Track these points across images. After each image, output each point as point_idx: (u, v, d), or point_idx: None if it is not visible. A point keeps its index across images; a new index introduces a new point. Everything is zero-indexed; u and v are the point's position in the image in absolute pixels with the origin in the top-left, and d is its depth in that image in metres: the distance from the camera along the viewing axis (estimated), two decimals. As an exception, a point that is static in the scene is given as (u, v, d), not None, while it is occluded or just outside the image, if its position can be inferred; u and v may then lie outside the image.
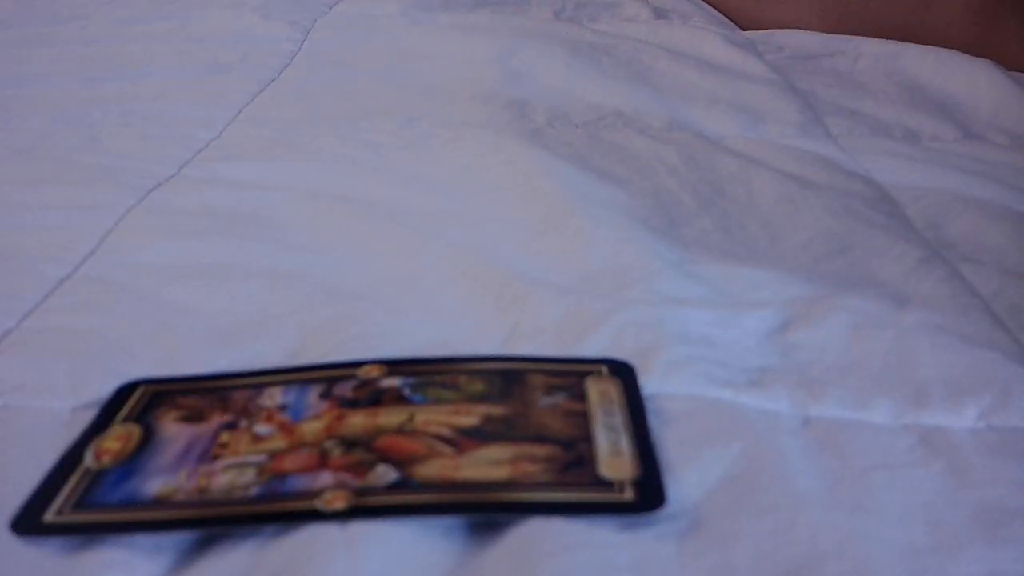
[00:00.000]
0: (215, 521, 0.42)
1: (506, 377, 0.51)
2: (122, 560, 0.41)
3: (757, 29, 1.38)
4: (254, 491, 0.44)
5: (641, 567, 0.40)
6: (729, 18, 1.46)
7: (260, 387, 0.51)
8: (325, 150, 0.87)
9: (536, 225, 0.70)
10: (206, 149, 0.88)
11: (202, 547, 0.42)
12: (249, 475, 0.45)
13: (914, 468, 0.46)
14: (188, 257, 0.67)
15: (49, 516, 0.43)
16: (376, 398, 0.50)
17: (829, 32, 1.29)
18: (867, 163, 0.84)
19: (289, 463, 0.45)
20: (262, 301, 0.61)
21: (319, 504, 0.42)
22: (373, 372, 0.52)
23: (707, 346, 0.55)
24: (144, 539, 0.42)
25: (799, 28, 1.33)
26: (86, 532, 0.42)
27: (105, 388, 0.52)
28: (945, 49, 1.13)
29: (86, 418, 0.50)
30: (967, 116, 0.97)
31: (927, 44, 1.16)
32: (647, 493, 0.43)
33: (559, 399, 0.49)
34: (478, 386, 0.51)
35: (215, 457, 0.46)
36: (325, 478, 0.44)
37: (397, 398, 0.50)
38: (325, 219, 0.72)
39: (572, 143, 0.88)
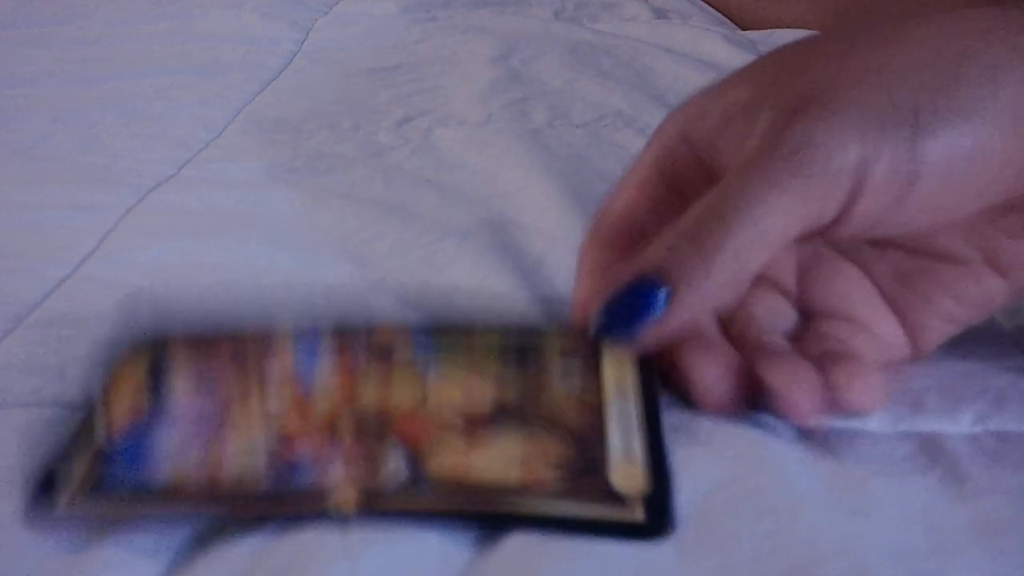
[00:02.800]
0: (225, 516, 0.42)
1: (521, 350, 0.48)
2: (122, 560, 0.41)
3: (757, 29, 1.38)
4: (264, 484, 0.42)
5: (641, 571, 0.40)
6: (729, 18, 1.46)
7: (271, 344, 0.49)
8: (325, 150, 0.87)
9: (535, 226, 0.70)
10: (206, 149, 0.88)
11: (201, 547, 0.42)
12: (260, 459, 0.43)
13: (911, 475, 0.46)
14: (188, 257, 0.67)
15: (62, 506, 0.42)
16: (390, 368, 0.47)
17: (829, 32, 1.28)
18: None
19: (300, 445, 0.43)
20: (262, 301, 0.61)
21: (330, 506, 0.41)
22: (387, 334, 0.49)
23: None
24: (142, 538, 0.42)
25: (799, 28, 1.34)
26: (98, 522, 0.41)
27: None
28: (945, 50, 1.12)
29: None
30: (967, 117, 0.97)
31: (927, 45, 1.16)
32: (657, 513, 0.41)
33: (574, 381, 0.46)
34: (493, 362, 0.48)
35: (224, 435, 0.44)
36: (336, 470, 0.42)
37: (411, 370, 0.47)
38: (325, 219, 0.72)
39: (572, 143, 0.88)
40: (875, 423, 0.50)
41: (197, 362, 0.48)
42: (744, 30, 1.39)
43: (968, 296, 0.50)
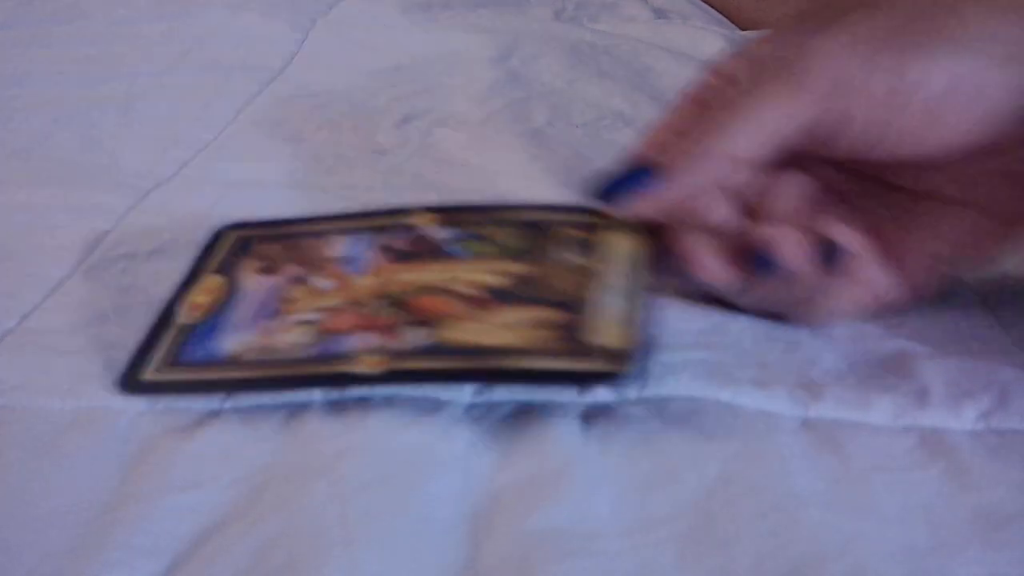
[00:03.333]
0: (275, 383, 0.47)
1: (533, 228, 0.54)
2: (122, 560, 0.41)
3: (757, 29, 1.38)
4: (310, 351, 0.48)
5: (643, 572, 0.40)
6: (729, 18, 1.46)
7: (323, 235, 0.55)
8: (325, 150, 0.87)
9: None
10: (206, 149, 0.88)
11: (201, 546, 0.42)
12: (309, 336, 0.49)
13: (913, 470, 0.46)
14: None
15: (148, 374, 0.47)
16: (427, 253, 0.53)
17: (829, 32, 1.28)
18: (867, 163, 0.84)
19: (341, 321, 0.49)
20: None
21: (357, 369, 0.47)
22: (422, 220, 0.55)
23: (706, 346, 0.55)
24: (142, 538, 0.42)
25: (799, 28, 1.33)
26: (177, 391, 0.47)
27: (105, 386, 0.52)
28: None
29: (87, 419, 0.50)
30: (967, 116, 0.97)
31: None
32: (628, 364, 0.46)
33: (574, 252, 0.52)
34: (510, 239, 0.53)
35: (283, 312, 0.50)
36: (369, 340, 0.48)
37: (436, 252, 0.53)
38: (325, 219, 0.72)
39: (572, 143, 0.88)
40: (878, 416, 0.50)
41: (265, 246, 0.54)
42: (744, 30, 1.39)
43: (958, 235, 0.53)
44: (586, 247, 0.52)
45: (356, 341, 0.48)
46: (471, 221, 0.54)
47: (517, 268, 0.51)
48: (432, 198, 0.76)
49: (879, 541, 0.42)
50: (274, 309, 0.50)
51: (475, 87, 1.04)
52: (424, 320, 0.49)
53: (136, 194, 0.77)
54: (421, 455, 0.47)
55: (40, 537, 0.43)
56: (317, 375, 0.47)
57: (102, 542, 0.42)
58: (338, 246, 0.54)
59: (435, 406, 0.50)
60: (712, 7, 1.51)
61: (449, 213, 0.55)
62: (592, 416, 0.49)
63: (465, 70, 1.11)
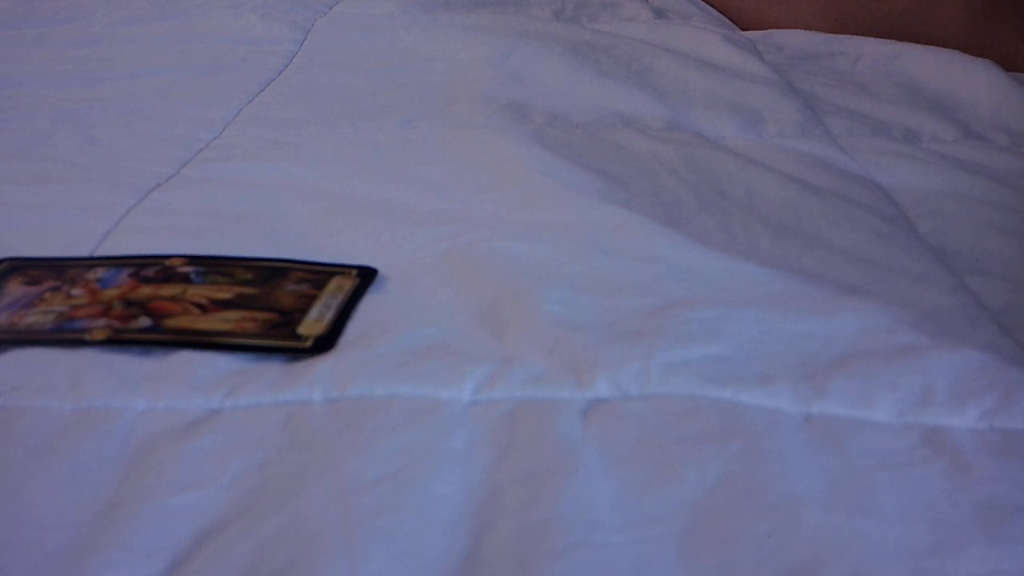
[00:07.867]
0: (10, 341, 0.56)
1: (273, 271, 0.64)
2: (122, 560, 0.41)
3: (757, 29, 1.38)
4: (48, 327, 0.58)
5: (642, 568, 0.40)
6: (729, 18, 1.46)
7: (91, 267, 0.65)
8: (325, 150, 0.87)
9: (535, 224, 0.70)
10: (206, 149, 0.88)
11: (202, 546, 0.42)
12: (50, 318, 0.59)
13: (915, 467, 0.46)
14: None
15: None
16: (168, 278, 0.63)
17: (829, 32, 1.29)
18: (868, 164, 0.84)
19: (81, 312, 0.59)
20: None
21: (86, 336, 0.56)
22: (176, 263, 0.64)
23: (707, 344, 0.55)
24: (142, 538, 0.42)
25: (799, 28, 1.34)
26: None
27: (105, 386, 0.52)
28: (945, 49, 1.13)
29: (87, 419, 0.50)
30: (967, 116, 0.97)
31: (927, 44, 1.16)
32: (321, 344, 0.56)
33: (303, 287, 0.62)
34: (248, 276, 0.63)
35: (35, 306, 0.60)
36: (99, 322, 0.58)
37: (183, 279, 0.63)
38: (325, 219, 0.72)
39: (572, 143, 0.88)
40: (880, 413, 0.50)
41: (35, 271, 0.64)
42: (744, 30, 1.39)
43: None
44: (316, 284, 0.62)
45: (88, 323, 0.58)
46: (220, 264, 0.64)
47: (245, 290, 0.62)
48: (433, 198, 0.76)
49: (880, 541, 0.41)
50: (28, 303, 0.60)
51: (475, 87, 1.04)
52: (154, 315, 0.59)
53: (137, 194, 0.77)
54: (421, 454, 0.47)
55: (40, 537, 0.43)
56: (49, 339, 0.56)
57: (102, 542, 0.42)
58: (97, 272, 0.64)
59: (435, 405, 0.50)
60: (712, 7, 1.51)
61: (201, 259, 0.65)
62: (592, 414, 0.49)
63: (465, 70, 1.11)
